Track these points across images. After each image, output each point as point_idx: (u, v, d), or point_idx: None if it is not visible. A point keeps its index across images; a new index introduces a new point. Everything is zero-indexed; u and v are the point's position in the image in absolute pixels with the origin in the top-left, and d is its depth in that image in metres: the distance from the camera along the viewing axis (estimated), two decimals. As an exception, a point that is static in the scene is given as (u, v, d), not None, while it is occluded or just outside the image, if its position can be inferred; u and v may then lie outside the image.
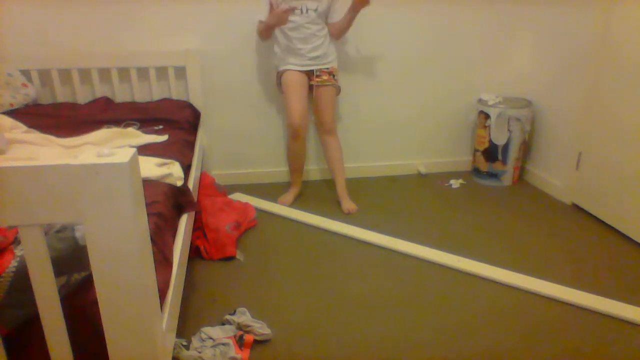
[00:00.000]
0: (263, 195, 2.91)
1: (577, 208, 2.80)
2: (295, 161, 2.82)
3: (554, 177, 3.00)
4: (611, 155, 2.51)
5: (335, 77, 2.70)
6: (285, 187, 3.03)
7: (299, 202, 2.87)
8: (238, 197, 2.88)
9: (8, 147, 1.71)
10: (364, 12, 2.90)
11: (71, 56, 2.63)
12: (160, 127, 2.33)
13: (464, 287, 2.03)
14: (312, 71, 2.64)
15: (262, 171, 3.16)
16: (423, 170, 3.36)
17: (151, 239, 1.22)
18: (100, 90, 2.74)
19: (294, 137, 2.68)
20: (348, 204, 2.75)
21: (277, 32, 2.59)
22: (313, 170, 3.22)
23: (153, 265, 1.01)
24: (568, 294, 1.95)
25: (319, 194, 2.98)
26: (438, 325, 1.79)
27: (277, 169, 3.19)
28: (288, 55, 2.61)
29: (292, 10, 2.48)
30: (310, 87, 2.67)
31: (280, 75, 2.68)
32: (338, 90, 2.75)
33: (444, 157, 3.42)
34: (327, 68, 2.66)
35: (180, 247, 1.51)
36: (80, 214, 0.86)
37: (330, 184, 3.17)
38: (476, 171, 3.26)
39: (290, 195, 2.86)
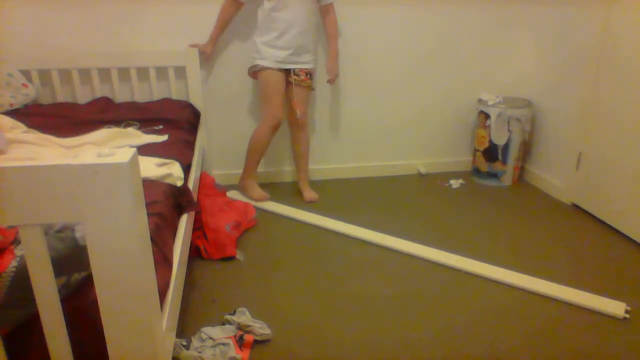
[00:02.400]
0: (263, 195, 2.90)
1: (577, 208, 2.80)
2: (263, 152, 2.80)
3: (554, 177, 3.00)
4: (611, 155, 2.51)
5: (312, 78, 2.74)
6: (285, 187, 3.03)
7: (298, 201, 2.86)
8: (237, 195, 2.88)
9: (8, 147, 1.71)
10: (364, 12, 2.91)
11: (71, 56, 2.63)
12: (160, 127, 2.33)
13: (464, 287, 2.03)
14: (290, 70, 2.65)
15: (262, 171, 3.16)
16: (423, 170, 3.36)
17: (151, 239, 1.22)
18: (100, 90, 2.74)
19: (274, 128, 2.70)
20: (310, 194, 2.90)
21: (261, 20, 2.57)
22: (312, 170, 3.22)
23: (153, 265, 1.01)
24: (568, 294, 1.95)
25: (317, 193, 2.97)
26: (438, 325, 1.79)
27: (276, 169, 3.19)
28: (270, 48, 2.58)
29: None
30: (287, 83, 2.69)
31: (258, 70, 2.64)
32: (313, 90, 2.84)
33: (444, 157, 3.42)
34: (306, 68, 2.68)
35: (180, 247, 1.51)
36: (80, 214, 0.86)
37: (332, 183, 3.17)
38: (476, 171, 3.26)
39: (261, 190, 2.86)
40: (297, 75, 2.66)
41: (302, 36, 2.57)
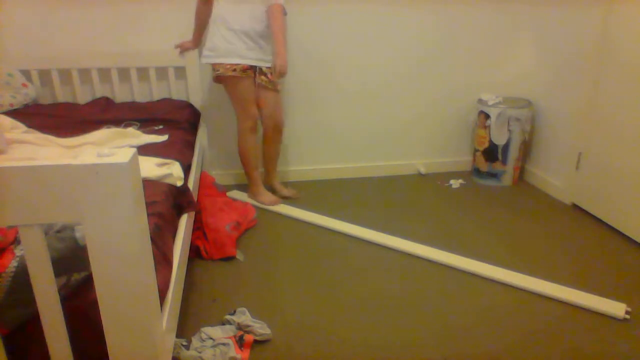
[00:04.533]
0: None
1: (577, 208, 2.80)
2: (256, 155, 2.75)
3: (554, 177, 3.00)
4: (611, 155, 2.51)
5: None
6: (284, 187, 3.03)
7: (298, 201, 2.86)
8: (237, 195, 2.88)
9: (8, 147, 1.71)
10: (364, 12, 2.91)
11: (71, 56, 2.63)
12: (160, 127, 2.33)
13: (464, 287, 2.03)
14: (255, 67, 2.54)
15: (262, 171, 3.16)
16: (423, 170, 3.36)
17: (151, 239, 1.22)
18: (100, 90, 2.74)
19: (253, 129, 2.63)
20: (290, 190, 2.93)
21: (217, 14, 2.40)
22: (312, 170, 3.22)
23: (153, 265, 1.01)
24: (568, 294, 1.95)
25: (318, 193, 2.98)
26: (438, 325, 1.79)
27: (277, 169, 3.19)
28: (230, 45, 2.41)
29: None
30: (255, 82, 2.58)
31: (228, 75, 2.46)
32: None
33: (444, 157, 3.42)
34: (269, 67, 2.56)
35: (180, 247, 1.51)
36: (80, 214, 0.86)
37: (332, 183, 3.17)
38: (476, 171, 3.26)
39: (271, 194, 2.84)
40: (264, 75, 2.56)
41: (262, 30, 2.44)
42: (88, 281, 1.02)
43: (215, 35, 2.43)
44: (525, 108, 3.00)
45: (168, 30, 2.74)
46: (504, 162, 3.10)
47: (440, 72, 3.16)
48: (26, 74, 2.59)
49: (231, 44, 2.42)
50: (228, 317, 1.75)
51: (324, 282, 2.06)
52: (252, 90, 2.56)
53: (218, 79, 2.54)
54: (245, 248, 2.34)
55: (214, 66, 2.49)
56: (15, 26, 2.58)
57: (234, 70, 2.45)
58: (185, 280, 1.70)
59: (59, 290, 0.96)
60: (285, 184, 3.02)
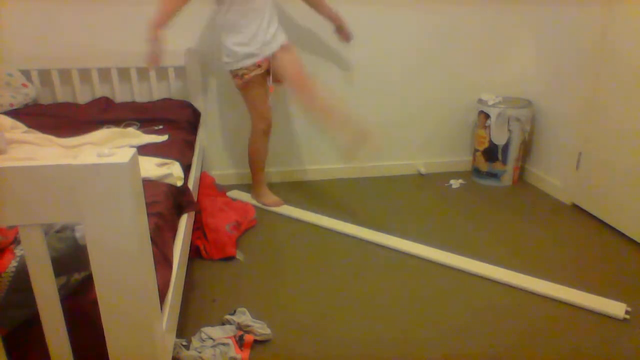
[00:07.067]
0: (263, 195, 2.90)
1: (577, 208, 2.80)
2: (265, 157, 2.73)
3: (554, 177, 3.00)
4: (611, 156, 2.51)
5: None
6: (283, 187, 3.03)
7: (298, 201, 2.86)
8: (237, 195, 2.88)
9: (8, 147, 1.71)
10: (364, 11, 2.91)
11: (71, 56, 2.63)
12: (160, 127, 2.33)
13: (464, 287, 2.03)
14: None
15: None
16: (423, 170, 3.36)
17: (151, 239, 1.22)
18: (100, 90, 2.74)
19: (267, 133, 2.62)
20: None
21: (224, 17, 2.34)
22: (312, 170, 3.22)
23: (153, 265, 1.01)
24: (568, 294, 1.95)
25: (318, 193, 2.98)
26: (438, 325, 1.79)
27: (276, 169, 3.19)
28: (245, 47, 2.36)
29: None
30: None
31: (249, 76, 2.41)
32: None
33: (444, 157, 3.42)
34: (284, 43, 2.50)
35: (180, 247, 1.51)
36: (80, 214, 0.86)
37: (332, 183, 3.17)
38: (476, 171, 3.26)
39: (273, 195, 2.82)
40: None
41: (272, 23, 2.39)
42: (88, 281, 1.02)
43: (228, 41, 2.38)
44: (525, 108, 3.00)
45: (168, 30, 2.73)
46: (504, 162, 3.10)
47: (440, 72, 3.16)
48: (26, 74, 2.58)
49: (247, 46, 2.37)
50: (228, 317, 1.75)
51: (324, 282, 2.06)
52: (267, 93, 2.54)
53: (245, 85, 2.46)
54: (245, 248, 2.34)
55: (236, 71, 2.43)
56: (15, 26, 2.58)
57: (259, 66, 2.40)
58: (185, 280, 1.70)
59: (59, 290, 0.96)
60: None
